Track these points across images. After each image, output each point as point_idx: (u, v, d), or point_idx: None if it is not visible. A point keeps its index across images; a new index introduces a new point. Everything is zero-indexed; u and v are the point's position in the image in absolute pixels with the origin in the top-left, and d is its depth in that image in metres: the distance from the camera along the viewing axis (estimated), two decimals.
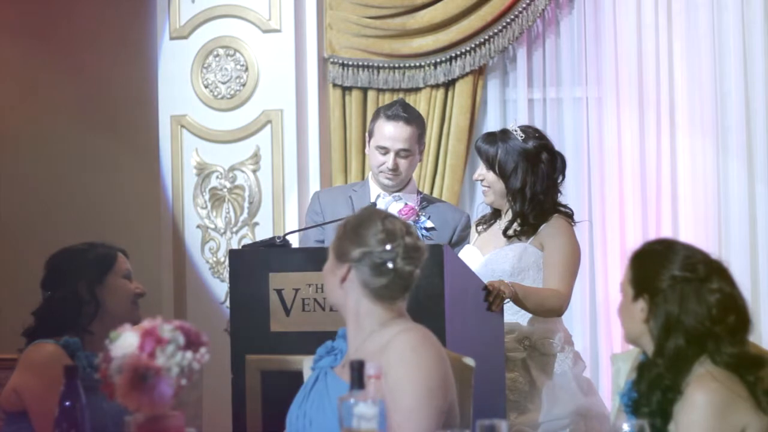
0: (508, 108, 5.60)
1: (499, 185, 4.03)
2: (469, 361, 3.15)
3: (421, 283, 2.96)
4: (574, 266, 3.99)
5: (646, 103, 5.43)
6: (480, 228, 4.19)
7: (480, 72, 5.51)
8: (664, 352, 2.63)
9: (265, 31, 5.47)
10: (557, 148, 4.12)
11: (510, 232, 4.02)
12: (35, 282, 3.59)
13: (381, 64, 5.51)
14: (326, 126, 5.52)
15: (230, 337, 3.67)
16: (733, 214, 5.34)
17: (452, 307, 3.46)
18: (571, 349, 4.04)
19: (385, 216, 2.90)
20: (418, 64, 5.50)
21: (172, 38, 5.57)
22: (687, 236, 5.23)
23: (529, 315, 3.94)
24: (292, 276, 3.59)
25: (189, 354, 2.43)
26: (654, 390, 2.62)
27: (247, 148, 5.49)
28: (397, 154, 4.19)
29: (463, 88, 5.48)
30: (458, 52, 5.46)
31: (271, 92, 5.45)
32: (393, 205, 4.17)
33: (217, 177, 5.51)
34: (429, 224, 4.18)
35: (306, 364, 3.19)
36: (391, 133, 4.18)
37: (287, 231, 4.68)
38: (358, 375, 2.42)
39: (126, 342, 2.44)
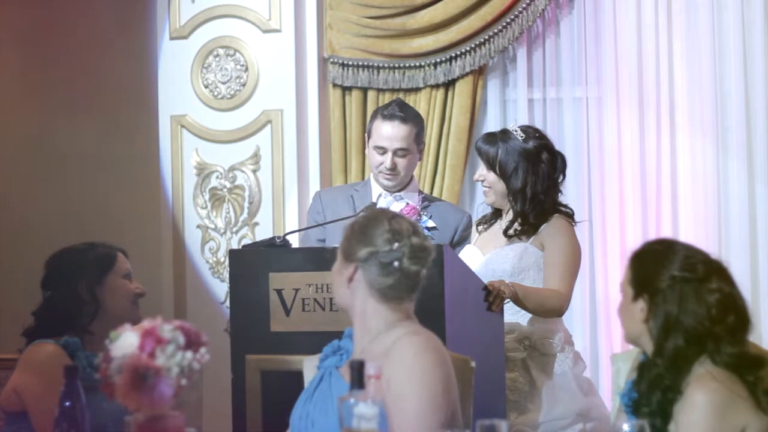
0: (508, 108, 5.59)
1: (500, 185, 4.03)
2: (470, 362, 3.15)
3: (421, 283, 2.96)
4: (574, 266, 3.98)
5: (646, 103, 5.43)
6: (480, 228, 4.19)
7: (480, 72, 5.51)
8: (664, 352, 2.63)
9: (265, 31, 5.47)
10: (557, 148, 4.12)
11: (510, 232, 4.02)
12: (35, 282, 3.59)
13: (381, 64, 5.51)
14: (326, 126, 5.52)
15: (230, 337, 3.67)
16: (733, 214, 5.34)
17: (452, 307, 3.46)
18: (571, 349, 4.04)
19: (392, 216, 2.90)
20: (418, 64, 5.49)
21: (172, 38, 5.57)
22: (687, 236, 5.23)
23: (529, 315, 3.94)
24: (292, 276, 3.59)
25: (189, 354, 2.43)
26: (654, 390, 2.62)
27: (247, 148, 5.48)
28: (395, 153, 4.18)
29: (463, 88, 5.47)
30: (458, 52, 5.46)
31: (271, 92, 5.45)
32: (394, 204, 4.17)
33: (217, 177, 5.51)
34: (430, 224, 4.17)
35: (306, 364, 3.19)
36: (388, 132, 4.18)
37: (287, 231, 4.67)
38: (358, 375, 2.41)
39: (126, 342, 2.44)
